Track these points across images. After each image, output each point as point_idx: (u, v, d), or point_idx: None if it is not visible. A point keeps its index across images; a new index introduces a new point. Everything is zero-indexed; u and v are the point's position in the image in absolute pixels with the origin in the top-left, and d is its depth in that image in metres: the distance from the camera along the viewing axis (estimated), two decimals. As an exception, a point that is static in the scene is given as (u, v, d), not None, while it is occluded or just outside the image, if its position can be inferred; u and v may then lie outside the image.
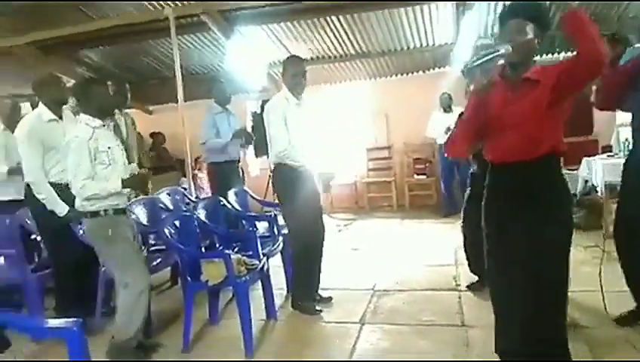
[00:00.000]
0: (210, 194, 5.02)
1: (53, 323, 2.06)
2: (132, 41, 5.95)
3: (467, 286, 3.54)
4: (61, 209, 3.04)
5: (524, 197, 1.94)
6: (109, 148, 2.68)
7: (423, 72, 7.11)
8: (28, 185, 3.28)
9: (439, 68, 6.93)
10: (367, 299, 3.56)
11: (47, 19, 5.20)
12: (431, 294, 3.59)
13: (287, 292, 3.79)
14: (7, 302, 3.33)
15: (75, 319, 1.96)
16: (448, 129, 5.67)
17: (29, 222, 3.62)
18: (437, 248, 4.84)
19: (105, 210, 2.68)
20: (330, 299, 3.50)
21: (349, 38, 6.04)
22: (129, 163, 2.92)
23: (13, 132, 3.96)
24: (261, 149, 6.19)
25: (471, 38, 5.56)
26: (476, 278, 3.50)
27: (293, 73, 3.30)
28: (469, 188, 3.38)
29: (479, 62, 1.81)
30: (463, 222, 3.51)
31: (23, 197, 3.95)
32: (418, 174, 7.24)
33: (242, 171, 4.92)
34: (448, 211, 6.36)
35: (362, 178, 7.67)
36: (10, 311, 2.07)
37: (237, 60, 5.89)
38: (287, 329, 3.21)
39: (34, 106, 3.48)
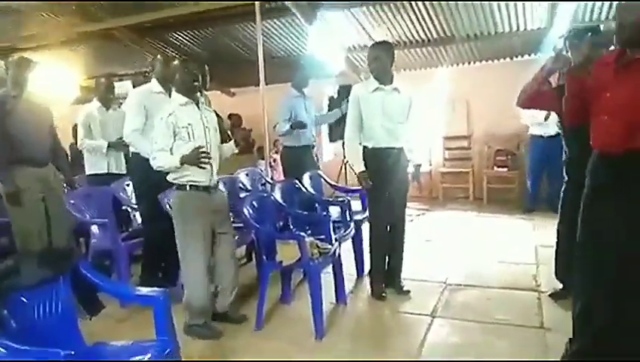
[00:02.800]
0: (283, 177, 5.13)
1: (142, 290, 2.22)
2: (219, 25, 6.16)
3: (550, 295, 3.25)
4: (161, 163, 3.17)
5: (632, 193, 1.78)
6: (189, 124, 2.78)
7: (511, 58, 6.73)
8: (131, 157, 3.57)
9: (528, 55, 6.52)
10: (438, 292, 3.49)
11: (145, 3, 5.52)
12: (507, 292, 3.44)
13: (358, 277, 3.81)
14: (99, 268, 3.63)
15: (162, 289, 2.11)
16: (546, 118, 5.35)
17: (122, 194, 3.93)
18: (516, 245, 4.62)
19: (183, 185, 2.82)
20: (408, 292, 3.44)
21: (432, 23, 5.84)
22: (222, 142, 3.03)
23: (108, 109, 4.31)
24: (336, 134, 6.24)
25: (567, 22, 5.16)
26: (560, 286, 3.21)
27: (373, 57, 3.30)
28: (566, 179, 3.05)
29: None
30: (559, 220, 3.16)
31: (118, 171, 4.30)
32: (499, 166, 6.91)
33: (317, 156, 4.97)
34: (531, 207, 6.02)
35: (437, 167, 7.46)
36: (103, 275, 2.25)
37: (317, 45, 5.91)
38: (356, 315, 3.23)
39: (135, 85, 3.86)
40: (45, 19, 6.10)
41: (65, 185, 3.75)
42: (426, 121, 7.23)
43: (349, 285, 3.59)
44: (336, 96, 6.78)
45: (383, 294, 3.40)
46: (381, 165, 3.31)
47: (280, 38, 6.46)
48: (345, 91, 3.56)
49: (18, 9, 5.69)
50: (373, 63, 3.30)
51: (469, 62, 7.03)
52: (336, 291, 3.34)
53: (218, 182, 3.00)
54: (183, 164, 2.72)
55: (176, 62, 2.98)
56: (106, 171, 4.26)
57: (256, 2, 4.89)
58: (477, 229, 5.50)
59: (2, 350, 1.57)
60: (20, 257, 2.06)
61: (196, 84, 2.85)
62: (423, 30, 6.07)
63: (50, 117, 3.52)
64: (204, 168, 2.77)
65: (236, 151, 3.12)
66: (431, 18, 5.71)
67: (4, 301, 1.81)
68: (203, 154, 2.71)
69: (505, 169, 6.85)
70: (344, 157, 5.29)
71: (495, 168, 6.94)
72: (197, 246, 2.83)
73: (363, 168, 3.32)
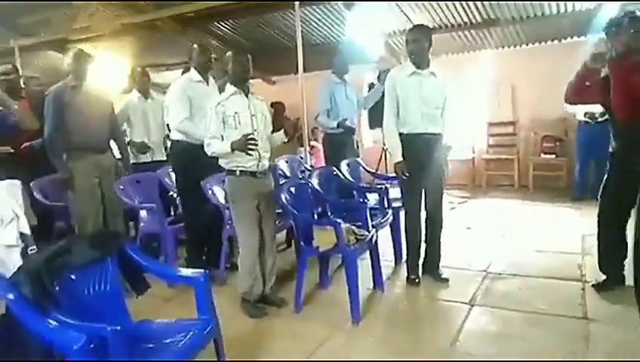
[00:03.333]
0: (324, 164, 5.16)
1: (185, 272, 2.33)
2: (259, 14, 6.21)
3: (593, 286, 3.15)
4: (213, 149, 3.21)
5: None
6: (235, 113, 2.89)
7: (559, 40, 6.44)
8: (172, 145, 3.71)
9: (577, 37, 6.22)
10: (478, 280, 3.44)
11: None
12: (550, 282, 3.35)
13: (395, 264, 3.81)
14: (148, 250, 3.80)
15: (202, 270, 2.20)
16: (602, 115, 5.09)
17: (167, 180, 4.09)
18: (561, 234, 4.47)
19: (233, 170, 2.94)
20: (446, 280, 3.41)
21: (475, 5, 5.66)
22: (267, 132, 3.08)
23: (146, 98, 4.49)
24: (376, 121, 6.19)
25: (617, 2, 4.87)
26: (604, 277, 3.12)
27: (410, 40, 3.26)
28: (608, 168, 2.97)
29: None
30: (599, 210, 3.09)
31: (162, 158, 4.48)
32: (546, 153, 6.67)
33: (357, 143, 4.96)
34: (579, 195, 5.79)
35: (481, 154, 7.29)
36: (150, 257, 2.36)
37: (356, 30, 5.86)
38: (393, 301, 3.24)
39: (184, 72, 3.95)
40: (94, 11, 6.36)
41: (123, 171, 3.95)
42: (469, 107, 7.08)
43: (386, 272, 3.61)
44: (376, 82, 6.72)
45: (417, 281, 3.40)
46: (417, 151, 3.27)
47: (319, 25, 6.44)
48: (385, 76, 3.51)
49: (69, 2, 5.96)
50: (411, 46, 3.26)
51: (515, 46, 6.77)
52: (373, 277, 3.36)
53: (268, 168, 3.09)
54: (233, 150, 2.82)
55: (228, 53, 3.03)
56: (150, 160, 4.44)
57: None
58: (521, 218, 5.35)
59: (54, 323, 1.69)
60: (71, 238, 2.19)
61: (245, 73, 2.97)
62: (466, 12, 5.90)
63: (108, 106, 3.71)
64: (250, 155, 2.85)
65: (285, 140, 3.16)
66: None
67: (57, 279, 1.94)
68: (251, 141, 2.79)
69: (552, 156, 6.61)
70: (384, 144, 5.26)
71: (542, 155, 6.70)
72: (245, 228, 2.98)
73: (400, 158, 3.29)
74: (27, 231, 2.42)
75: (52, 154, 3.41)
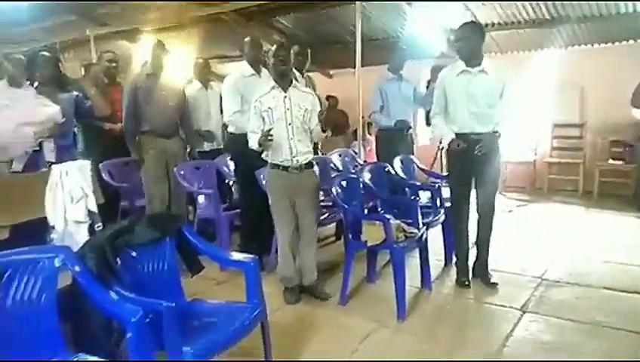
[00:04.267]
0: (376, 159, 5.14)
1: (236, 256, 2.41)
2: (319, 8, 6.25)
3: None
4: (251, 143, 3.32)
5: None
6: (269, 108, 2.94)
7: (634, 40, 6.02)
8: (228, 135, 3.86)
9: (654, 38, 5.80)
10: (532, 286, 3.33)
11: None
12: (611, 294, 3.18)
13: (445, 265, 3.75)
14: (203, 234, 3.96)
15: (253, 256, 2.28)
16: None
17: (224, 168, 4.24)
18: (627, 244, 4.22)
19: (269, 163, 3.03)
20: (495, 284, 3.31)
21: (544, 2, 5.40)
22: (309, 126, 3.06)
23: (206, 89, 4.66)
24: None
25: None
26: None
27: (459, 38, 3.20)
28: None
29: None
30: None
31: (220, 147, 4.66)
32: (614, 159, 6.28)
33: (412, 139, 4.89)
34: (649, 205, 5.43)
35: (543, 157, 6.96)
36: (205, 241, 2.47)
37: (418, 26, 5.76)
38: (440, 302, 3.20)
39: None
40: (163, 3, 6.65)
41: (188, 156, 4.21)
42: (533, 107, 6.78)
43: (436, 271, 3.56)
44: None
45: (467, 283, 3.33)
46: (465, 151, 3.14)
47: (379, 19, 6.39)
48: (437, 73, 3.45)
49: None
50: (459, 44, 3.19)
51: (585, 45, 6.39)
52: (421, 276, 3.33)
53: (307, 163, 3.05)
54: (259, 145, 2.89)
55: (271, 47, 3.06)
56: (210, 148, 4.61)
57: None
58: (583, 225, 5.09)
59: (115, 296, 1.81)
60: (134, 218, 2.33)
61: (284, 68, 2.98)
62: (534, 10, 5.64)
63: (178, 94, 3.97)
64: (278, 149, 2.93)
65: (323, 136, 3.19)
66: (543, -5, 5.29)
67: (119, 255, 2.07)
68: (269, 137, 2.81)
69: (620, 162, 6.21)
70: (440, 142, 5.15)
71: (609, 160, 6.32)
72: (279, 220, 3.07)
73: (453, 135, 3.19)
74: (95, 209, 2.59)
75: (127, 137, 3.76)
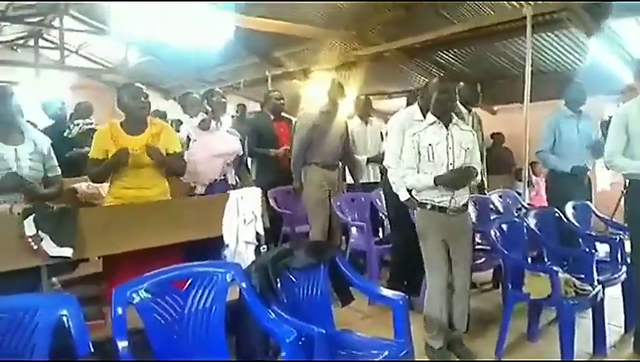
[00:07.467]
0: (546, 204, 4.68)
1: (385, 292, 2.41)
2: (485, 42, 6.07)
3: None
4: (403, 194, 3.31)
5: None
6: (429, 144, 2.73)
7: None
8: (384, 168, 3.94)
9: None
10: None
11: (413, 25, 5.90)
12: None
13: (625, 332, 3.21)
14: (354, 265, 4.05)
15: (402, 294, 2.25)
16: None
17: (378, 201, 4.31)
18: None
19: (423, 203, 2.79)
20: None
21: None
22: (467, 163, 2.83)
23: (366, 124, 4.83)
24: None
25: None
26: None
27: None
28: None
29: None
30: None
31: (377, 180, 4.77)
32: None
33: (590, 184, 4.30)
34: None
35: None
36: (356, 271, 2.52)
37: (598, 57, 5.20)
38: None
39: (409, 103, 3.89)
40: (333, 45, 7.16)
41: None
42: None
43: (612, 338, 3.07)
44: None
45: None
46: None
47: (551, 51, 5.93)
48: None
49: (314, 38, 6.83)
50: None
51: None
52: (594, 340, 2.90)
53: (465, 203, 2.84)
54: (437, 185, 2.69)
55: (434, 80, 2.97)
56: (366, 181, 4.74)
57: (528, 16, 4.61)
58: None
59: (273, 315, 1.95)
60: (294, 243, 2.50)
61: (449, 104, 2.80)
62: None
63: (344, 128, 4.23)
64: (435, 187, 2.71)
65: (479, 180, 3.07)
66: None
67: (279, 277, 2.22)
68: (463, 178, 2.69)
69: None
70: (624, 188, 4.46)
71: None
72: (431, 263, 2.81)
73: None
74: (262, 231, 2.85)
75: (295, 166, 4.09)
